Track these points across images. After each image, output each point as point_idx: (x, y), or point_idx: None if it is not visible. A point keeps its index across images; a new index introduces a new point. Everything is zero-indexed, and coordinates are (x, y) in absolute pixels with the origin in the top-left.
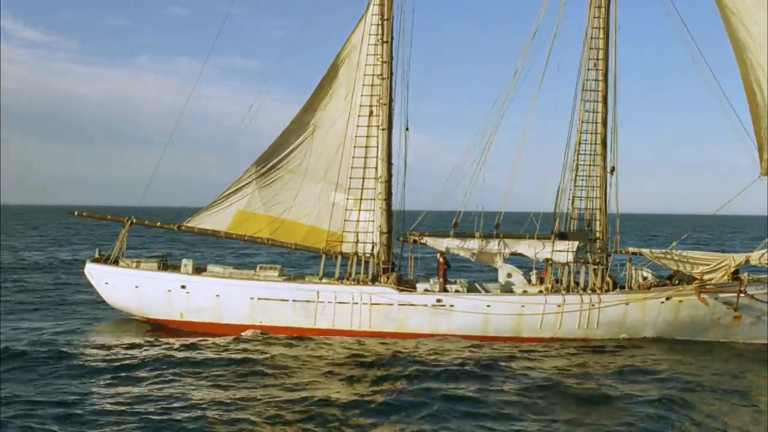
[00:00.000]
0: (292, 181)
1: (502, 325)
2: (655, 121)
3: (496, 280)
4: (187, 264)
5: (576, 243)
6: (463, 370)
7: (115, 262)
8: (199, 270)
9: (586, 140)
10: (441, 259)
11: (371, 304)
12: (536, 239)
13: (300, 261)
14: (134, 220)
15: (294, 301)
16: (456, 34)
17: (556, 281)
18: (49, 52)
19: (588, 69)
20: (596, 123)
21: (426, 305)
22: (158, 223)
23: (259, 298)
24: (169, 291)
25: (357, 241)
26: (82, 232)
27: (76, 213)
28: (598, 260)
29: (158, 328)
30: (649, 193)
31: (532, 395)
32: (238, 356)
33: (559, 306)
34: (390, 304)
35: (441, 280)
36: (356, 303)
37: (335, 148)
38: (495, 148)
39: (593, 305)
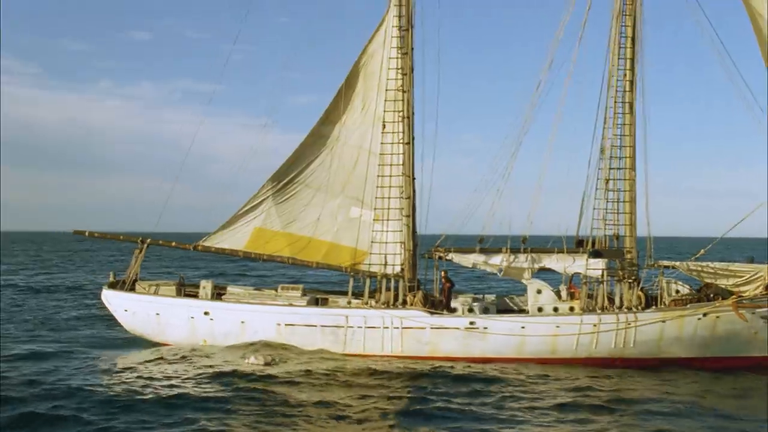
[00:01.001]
0: (309, 197)
1: (537, 347)
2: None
3: (515, 293)
4: (206, 286)
5: (598, 260)
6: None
7: (132, 286)
8: (218, 290)
9: (613, 155)
10: (444, 279)
11: (402, 328)
12: (566, 253)
13: (315, 275)
14: (149, 242)
15: (322, 326)
16: (473, 49)
17: (588, 296)
18: (11, 77)
19: (613, 85)
20: (625, 136)
21: (459, 328)
22: (173, 243)
23: (286, 324)
24: (192, 318)
25: (386, 264)
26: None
27: (86, 234)
28: (629, 275)
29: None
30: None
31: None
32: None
33: (594, 326)
34: (422, 328)
35: (444, 300)
36: (387, 327)
37: (353, 162)
38: (516, 168)
39: (629, 324)
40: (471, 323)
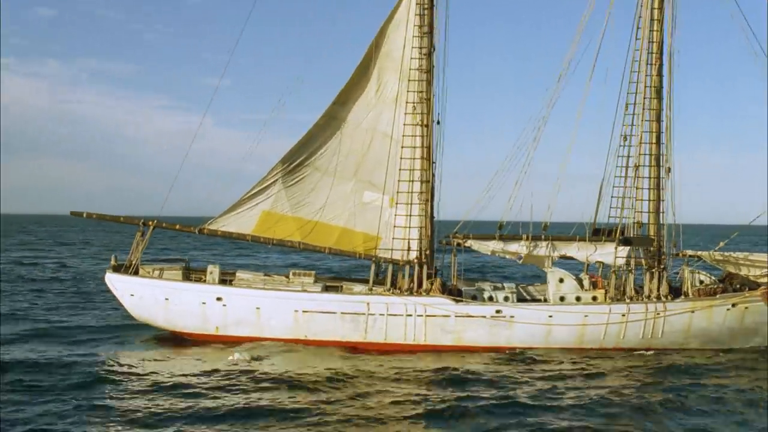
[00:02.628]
0: (320, 180)
1: (565, 337)
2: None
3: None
4: (213, 270)
5: (625, 248)
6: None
7: (135, 271)
8: (226, 276)
9: (643, 141)
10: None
11: (426, 315)
12: (587, 241)
13: (320, 260)
14: (155, 224)
15: (342, 313)
16: (492, 34)
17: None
18: None
19: (635, 71)
20: (652, 121)
21: (485, 316)
22: (177, 227)
23: (304, 311)
24: (204, 303)
25: (408, 249)
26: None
27: (84, 215)
28: (654, 264)
29: (187, 342)
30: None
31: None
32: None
33: (623, 315)
34: (446, 316)
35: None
36: (410, 315)
37: (366, 145)
38: (537, 154)
39: (658, 314)
40: (497, 311)
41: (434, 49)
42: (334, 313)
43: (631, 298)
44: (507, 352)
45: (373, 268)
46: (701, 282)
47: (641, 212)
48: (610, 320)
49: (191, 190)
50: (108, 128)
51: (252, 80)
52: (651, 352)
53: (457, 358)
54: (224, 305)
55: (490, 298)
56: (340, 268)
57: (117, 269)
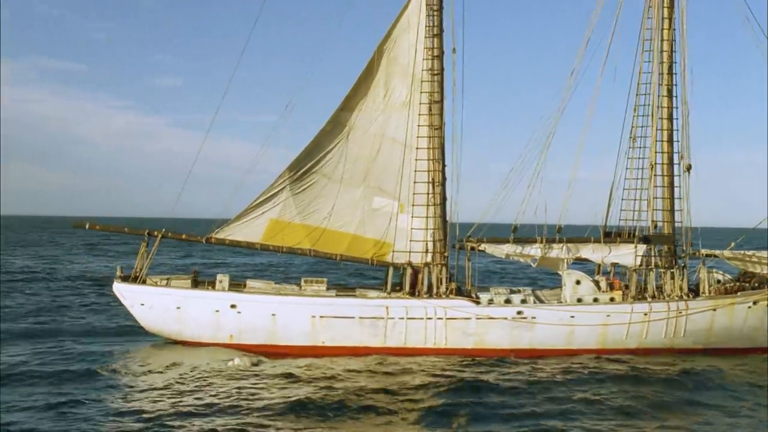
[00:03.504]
0: (328, 187)
1: (587, 337)
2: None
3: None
4: (222, 280)
5: (644, 246)
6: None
7: (142, 281)
8: (235, 286)
9: (650, 141)
10: (408, 270)
11: (447, 318)
12: (602, 243)
13: (322, 268)
14: (163, 233)
15: (361, 318)
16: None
17: (626, 287)
18: None
19: (644, 72)
20: (663, 119)
21: (506, 318)
22: (183, 236)
23: (321, 316)
24: (217, 311)
25: (426, 251)
26: None
27: (86, 226)
28: (671, 263)
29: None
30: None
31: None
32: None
33: (645, 314)
34: (467, 318)
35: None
36: (430, 318)
37: (374, 151)
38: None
39: (680, 312)
40: (519, 313)
41: (453, 51)
42: (352, 318)
43: (652, 297)
44: (528, 357)
45: (390, 271)
46: (718, 281)
47: (659, 210)
48: (633, 320)
49: (156, 191)
50: (57, 127)
51: (204, 80)
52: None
53: (477, 361)
54: (238, 312)
55: (507, 301)
56: (336, 277)
57: (124, 280)
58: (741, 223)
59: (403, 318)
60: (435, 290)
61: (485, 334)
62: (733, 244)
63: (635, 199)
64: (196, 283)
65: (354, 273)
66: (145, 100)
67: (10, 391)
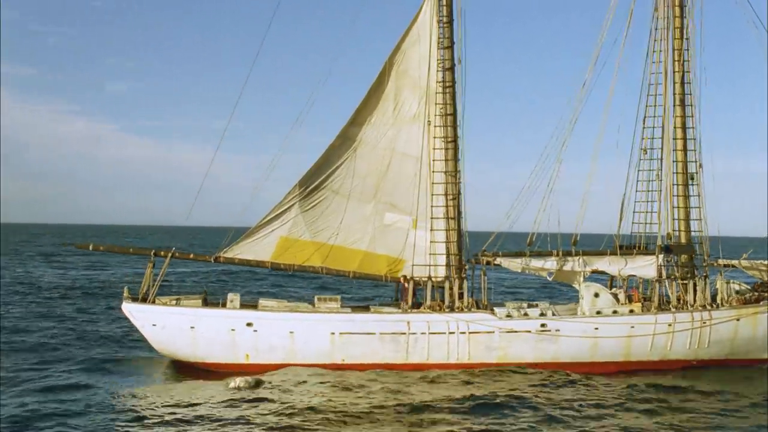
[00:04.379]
0: (338, 204)
1: (612, 349)
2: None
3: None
4: (233, 299)
5: (661, 257)
6: None
7: (152, 302)
8: (248, 306)
9: (665, 152)
10: (406, 284)
11: (469, 333)
12: (618, 255)
13: (333, 287)
14: (173, 254)
15: (382, 333)
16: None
17: (645, 299)
18: None
19: (653, 83)
20: (676, 128)
21: (530, 331)
22: (191, 255)
23: (341, 333)
24: (233, 330)
25: (448, 265)
26: None
27: (90, 247)
28: (691, 274)
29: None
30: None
31: None
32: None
33: (669, 325)
34: (490, 332)
35: (407, 306)
36: (452, 333)
37: (385, 166)
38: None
39: (704, 323)
40: (542, 325)
41: (459, 63)
42: (372, 334)
43: (675, 308)
44: (552, 371)
45: (411, 285)
46: (737, 291)
47: (677, 220)
48: (657, 331)
49: (110, 198)
50: (6, 133)
51: (156, 85)
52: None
53: (500, 376)
54: (255, 331)
55: (525, 315)
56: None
57: (134, 300)
58: (760, 232)
59: (425, 333)
60: (456, 304)
61: (509, 347)
62: (745, 255)
63: (647, 212)
64: (206, 303)
65: (342, 289)
66: (96, 105)
67: None
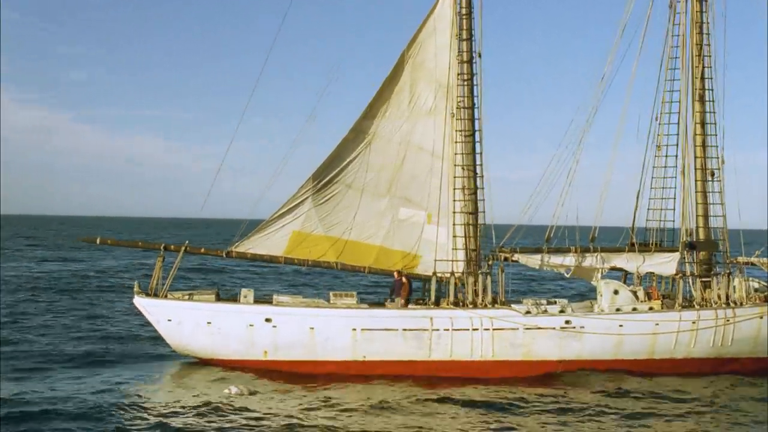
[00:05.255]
0: (353, 198)
1: (636, 347)
2: None
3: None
4: (247, 295)
5: (677, 255)
6: None
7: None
8: (260, 301)
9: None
10: (403, 279)
11: (493, 329)
12: (636, 252)
13: (342, 283)
14: (187, 248)
15: (404, 330)
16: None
17: (664, 297)
18: None
19: (668, 80)
20: (697, 123)
21: (554, 328)
22: (202, 250)
23: (363, 329)
24: (251, 326)
25: (468, 260)
26: None
27: (97, 241)
28: (710, 271)
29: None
30: None
31: None
32: None
33: (693, 323)
34: (514, 329)
35: (403, 302)
36: (476, 329)
37: (400, 159)
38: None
39: (728, 320)
40: (567, 322)
41: (479, 56)
42: (395, 330)
43: (699, 305)
44: (576, 369)
45: (434, 280)
46: (755, 289)
47: (701, 216)
48: (681, 328)
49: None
50: None
51: (112, 74)
52: None
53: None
54: (274, 326)
55: (545, 312)
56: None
57: (147, 295)
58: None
59: (448, 329)
60: (480, 300)
61: (533, 344)
62: (758, 252)
63: (662, 209)
64: (218, 299)
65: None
66: (51, 93)
67: None
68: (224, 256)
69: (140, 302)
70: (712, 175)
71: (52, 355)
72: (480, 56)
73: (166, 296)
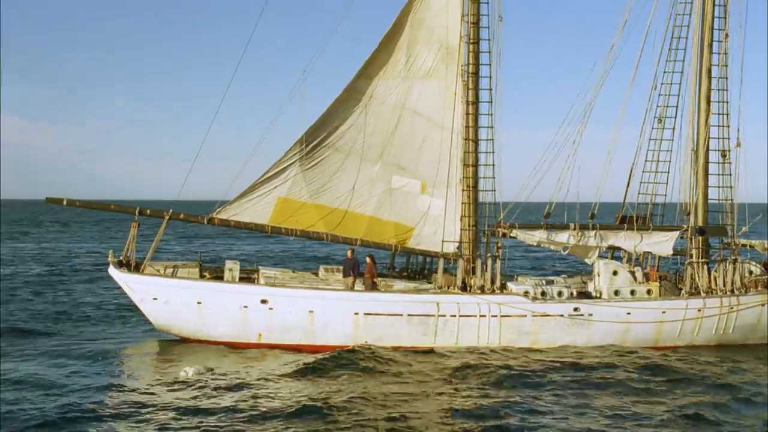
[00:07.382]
0: (343, 163)
1: (642, 334)
2: None
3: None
4: (232, 267)
5: (675, 234)
6: None
7: (137, 268)
8: (246, 273)
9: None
10: (369, 260)
11: (501, 316)
12: (635, 230)
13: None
14: (172, 214)
15: (409, 315)
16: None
17: (662, 278)
18: None
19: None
20: (702, 100)
21: (563, 315)
22: (182, 215)
23: (365, 314)
24: (245, 307)
25: (468, 241)
26: None
27: (64, 202)
28: (731, 255)
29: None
30: None
31: None
32: None
33: (699, 310)
34: (522, 316)
35: (370, 284)
36: (483, 316)
37: (393, 123)
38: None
39: (732, 308)
40: (575, 309)
41: (499, 19)
42: (400, 315)
43: (705, 292)
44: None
45: (441, 263)
46: (750, 272)
47: (713, 200)
48: (687, 316)
49: None
50: None
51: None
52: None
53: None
54: (270, 308)
55: (559, 294)
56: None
57: (123, 267)
58: None
59: (455, 315)
60: (488, 285)
61: (540, 332)
62: (745, 229)
63: (656, 183)
64: (201, 271)
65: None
66: None
67: None
68: (206, 222)
69: (120, 277)
70: (724, 156)
71: None
72: (501, 19)
73: (146, 269)
